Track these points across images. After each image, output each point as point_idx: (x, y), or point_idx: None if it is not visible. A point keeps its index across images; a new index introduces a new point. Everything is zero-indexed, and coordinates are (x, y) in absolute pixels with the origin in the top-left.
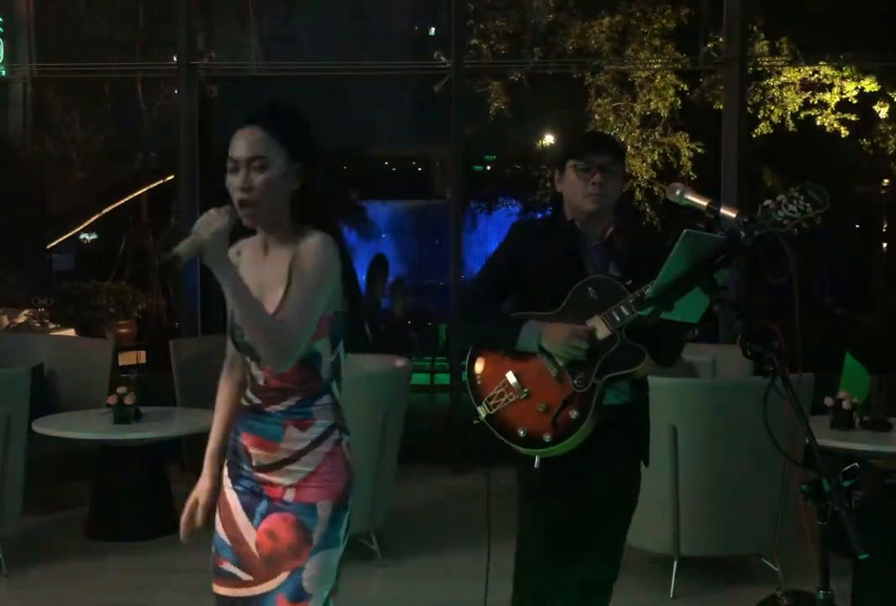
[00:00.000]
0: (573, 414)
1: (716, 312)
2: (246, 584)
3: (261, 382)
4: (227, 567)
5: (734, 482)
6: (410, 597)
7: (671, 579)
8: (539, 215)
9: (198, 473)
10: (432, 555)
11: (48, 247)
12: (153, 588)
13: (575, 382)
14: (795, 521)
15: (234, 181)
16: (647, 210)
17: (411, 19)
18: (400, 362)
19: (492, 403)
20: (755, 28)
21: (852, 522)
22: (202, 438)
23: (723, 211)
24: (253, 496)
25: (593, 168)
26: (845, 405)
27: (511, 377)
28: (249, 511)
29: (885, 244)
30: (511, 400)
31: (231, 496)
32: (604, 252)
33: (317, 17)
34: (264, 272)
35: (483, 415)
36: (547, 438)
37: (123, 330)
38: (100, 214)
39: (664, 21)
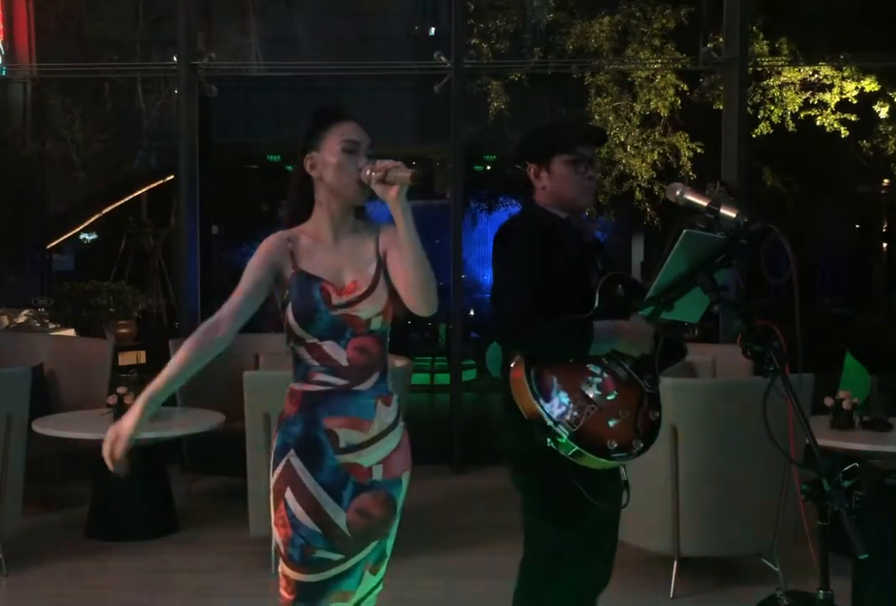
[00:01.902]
0: (654, 416)
1: (716, 312)
2: (337, 563)
3: (344, 362)
4: (320, 553)
5: (734, 482)
6: (410, 597)
7: (671, 579)
8: (505, 215)
9: (198, 473)
10: (432, 555)
11: (48, 247)
12: (153, 588)
13: (645, 382)
14: (795, 521)
15: (356, 161)
16: (648, 210)
17: (411, 19)
18: (400, 362)
19: (573, 419)
20: (755, 28)
21: (852, 522)
22: (202, 438)
23: (723, 211)
24: (337, 481)
25: (586, 162)
26: (845, 405)
27: (587, 388)
28: (336, 496)
29: (885, 244)
30: (593, 412)
31: (313, 486)
32: (594, 249)
33: (317, 17)
34: (339, 255)
35: (567, 435)
36: (639, 445)
37: (123, 330)
38: (100, 214)
39: (664, 21)
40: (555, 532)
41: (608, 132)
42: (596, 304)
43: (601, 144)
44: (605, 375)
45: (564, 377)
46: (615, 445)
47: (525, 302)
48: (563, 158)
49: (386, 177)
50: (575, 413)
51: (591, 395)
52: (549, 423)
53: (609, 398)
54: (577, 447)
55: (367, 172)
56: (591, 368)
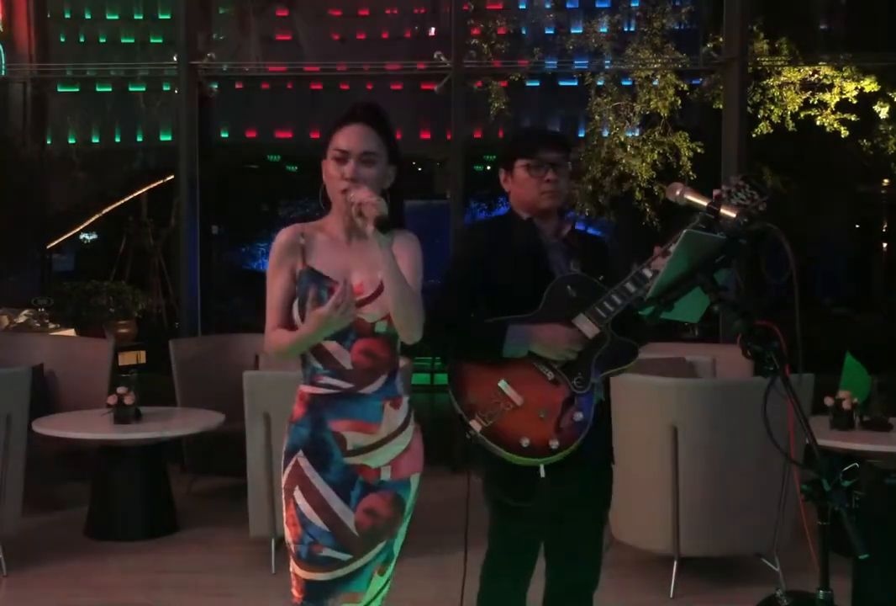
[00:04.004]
0: (577, 417)
1: (716, 312)
2: (346, 563)
3: (348, 366)
4: (327, 552)
5: (734, 482)
6: (410, 597)
7: (671, 579)
8: (483, 216)
9: (198, 473)
10: (431, 555)
11: (48, 247)
12: (153, 588)
13: (574, 383)
14: (795, 521)
15: (343, 171)
16: (647, 210)
17: (411, 19)
18: (400, 362)
19: (486, 414)
20: (755, 28)
21: (852, 522)
22: (202, 438)
23: (723, 211)
24: (345, 482)
25: (545, 166)
26: (845, 405)
27: (504, 386)
28: (344, 496)
29: (885, 244)
30: (507, 410)
31: (321, 485)
32: (563, 250)
33: (317, 17)
34: (350, 255)
35: (479, 429)
36: (554, 445)
37: (123, 330)
38: (100, 214)
39: (664, 21)
40: (503, 531)
41: (610, 132)
42: (541, 305)
43: (564, 150)
44: (529, 373)
45: (485, 373)
46: (527, 442)
47: (445, 303)
48: (522, 162)
49: (361, 211)
50: (490, 409)
51: (508, 392)
52: (464, 417)
53: (528, 396)
54: (488, 442)
55: (350, 196)
56: (515, 365)
